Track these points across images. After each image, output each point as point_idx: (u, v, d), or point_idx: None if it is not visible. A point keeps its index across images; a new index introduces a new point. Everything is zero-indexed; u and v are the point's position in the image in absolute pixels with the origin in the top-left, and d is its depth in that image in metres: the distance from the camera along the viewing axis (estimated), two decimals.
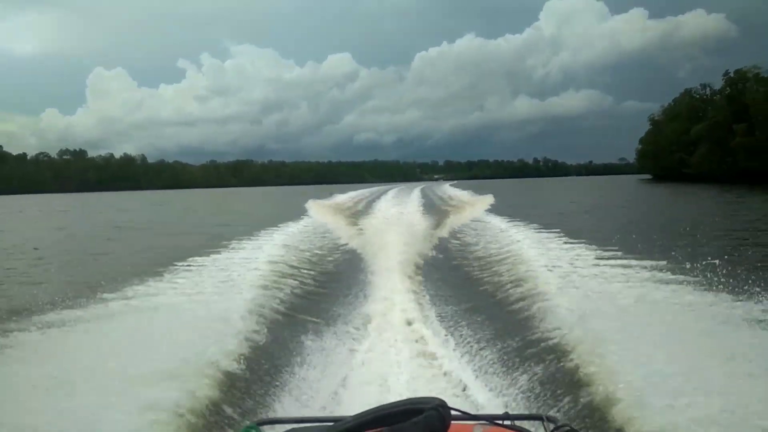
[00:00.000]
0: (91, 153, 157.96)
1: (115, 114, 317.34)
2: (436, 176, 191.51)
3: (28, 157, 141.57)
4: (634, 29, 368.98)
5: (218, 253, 12.07)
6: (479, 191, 35.82)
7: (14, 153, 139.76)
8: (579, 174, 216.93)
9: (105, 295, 7.74)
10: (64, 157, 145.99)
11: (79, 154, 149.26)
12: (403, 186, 66.97)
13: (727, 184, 43.36)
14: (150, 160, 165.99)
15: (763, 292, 6.11)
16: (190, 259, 11.21)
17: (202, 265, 10.45)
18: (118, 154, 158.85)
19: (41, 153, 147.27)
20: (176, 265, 10.43)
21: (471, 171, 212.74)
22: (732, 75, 53.63)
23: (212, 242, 14.16)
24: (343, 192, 41.98)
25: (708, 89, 61.83)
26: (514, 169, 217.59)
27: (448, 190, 47.14)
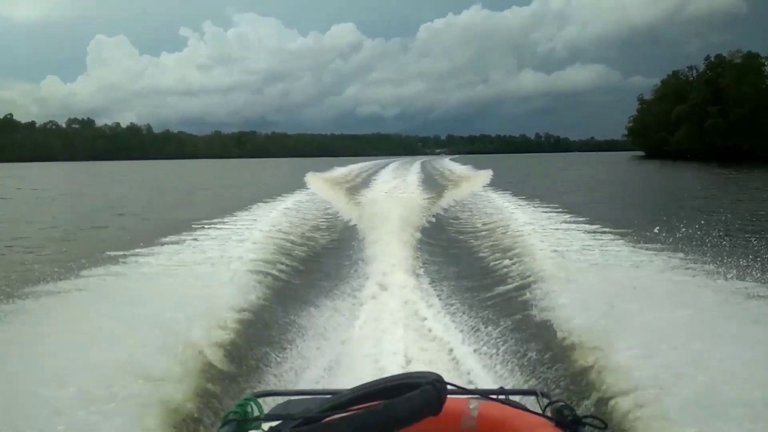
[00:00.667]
0: (96, 122, 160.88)
1: (116, 82, 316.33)
2: (437, 150, 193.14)
3: (37, 126, 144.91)
4: (642, 3, 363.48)
5: (214, 225, 12.12)
6: (479, 166, 36.00)
7: (17, 121, 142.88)
8: (581, 150, 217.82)
9: (96, 268, 7.66)
10: (73, 126, 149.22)
11: (88, 123, 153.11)
12: (404, 159, 67.78)
13: (703, 162, 46.46)
14: (155, 130, 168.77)
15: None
16: (186, 232, 11.20)
17: (196, 239, 10.44)
18: (121, 123, 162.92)
19: (50, 122, 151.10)
20: (170, 238, 10.44)
21: (473, 145, 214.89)
22: (713, 59, 56.33)
23: (208, 215, 14.13)
24: (343, 165, 42.01)
25: (694, 71, 64.45)
26: (516, 144, 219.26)
27: (447, 164, 47.21)
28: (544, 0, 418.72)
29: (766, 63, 50.90)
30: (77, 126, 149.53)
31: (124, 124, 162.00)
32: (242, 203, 17.03)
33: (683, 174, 37.84)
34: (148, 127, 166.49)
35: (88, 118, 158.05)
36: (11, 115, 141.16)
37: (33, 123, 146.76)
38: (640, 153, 79.31)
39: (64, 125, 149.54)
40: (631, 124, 77.45)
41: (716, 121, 48.58)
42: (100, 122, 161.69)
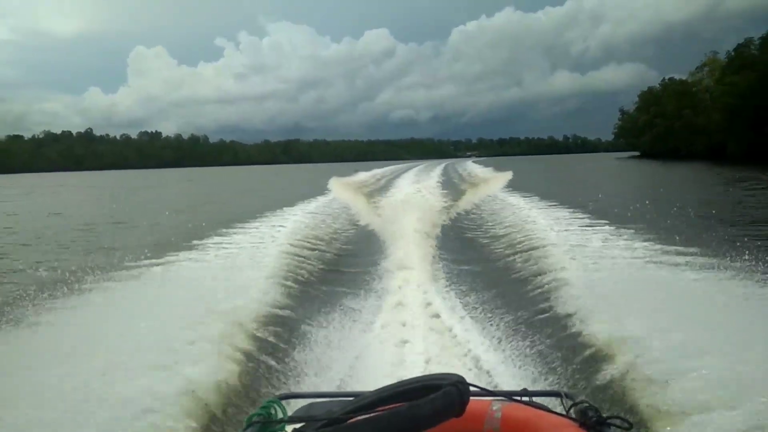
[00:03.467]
0: (135, 131, 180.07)
1: (155, 92, 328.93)
2: (468, 153, 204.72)
3: (112, 137, 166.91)
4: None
5: (239, 229, 12.38)
6: (500, 168, 36.84)
7: (95, 134, 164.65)
8: (607, 150, 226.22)
9: (124, 269, 8.08)
10: (143, 138, 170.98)
11: (156, 135, 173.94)
12: (430, 162, 73.63)
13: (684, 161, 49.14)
14: (186, 138, 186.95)
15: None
16: (210, 234, 11.54)
17: (224, 241, 10.72)
18: (163, 133, 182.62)
19: (123, 134, 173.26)
20: (204, 239, 10.81)
21: (502, 148, 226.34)
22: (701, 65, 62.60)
23: (235, 218, 14.55)
24: (368, 170, 43.15)
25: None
26: (543, 146, 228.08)
27: (469, 166, 48.72)
28: None
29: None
30: (146, 138, 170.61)
31: (189, 136, 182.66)
32: (276, 204, 17.74)
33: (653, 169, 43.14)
34: (205, 137, 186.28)
35: (156, 131, 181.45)
36: (91, 129, 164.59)
37: (107, 135, 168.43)
38: (635, 153, 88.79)
39: (136, 137, 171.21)
40: (615, 130, 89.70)
41: (682, 123, 56.66)
42: (137, 132, 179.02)
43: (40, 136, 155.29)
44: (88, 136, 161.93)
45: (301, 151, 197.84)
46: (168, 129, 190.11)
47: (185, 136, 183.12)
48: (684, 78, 65.06)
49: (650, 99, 69.66)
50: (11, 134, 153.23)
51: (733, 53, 50.07)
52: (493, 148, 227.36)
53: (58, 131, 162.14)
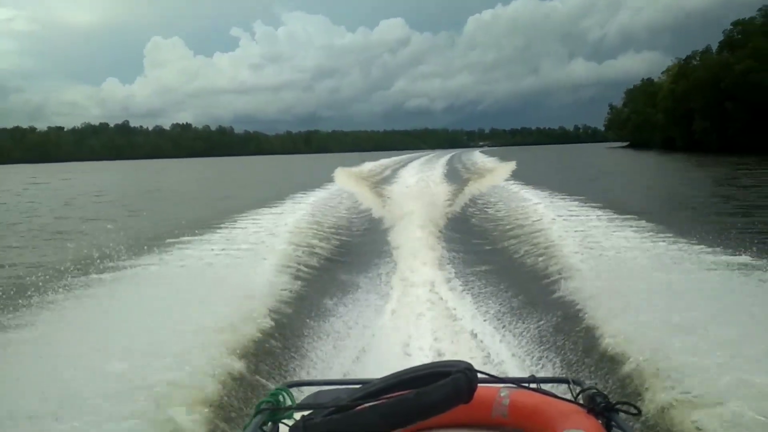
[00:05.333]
0: (153, 122, 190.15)
1: (171, 83, 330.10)
2: (481, 143, 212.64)
3: (145, 128, 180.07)
4: None
5: (247, 218, 12.52)
6: (505, 158, 37.27)
7: (132, 126, 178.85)
8: (615, 140, 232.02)
9: (133, 260, 8.04)
10: (175, 129, 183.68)
11: (186, 127, 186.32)
12: (439, 152, 77.75)
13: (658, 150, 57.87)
14: (199, 127, 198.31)
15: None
16: (219, 224, 11.64)
17: (228, 230, 10.85)
18: (174, 122, 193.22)
19: (156, 126, 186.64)
20: (206, 230, 10.88)
21: (514, 138, 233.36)
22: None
23: (246, 206, 14.91)
24: (375, 159, 42.82)
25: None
26: (555, 136, 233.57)
27: (475, 157, 49.58)
28: None
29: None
30: (178, 129, 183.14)
31: (216, 128, 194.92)
32: (285, 193, 18.20)
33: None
34: (231, 129, 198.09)
35: (187, 123, 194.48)
36: (127, 121, 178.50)
37: (141, 127, 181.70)
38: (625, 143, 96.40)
39: (168, 128, 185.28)
40: (606, 123, 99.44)
41: (660, 116, 59.84)
42: (155, 123, 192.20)
43: (80, 127, 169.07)
44: (124, 128, 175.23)
45: (321, 142, 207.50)
46: (184, 119, 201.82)
47: (200, 126, 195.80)
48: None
49: (631, 95, 79.22)
50: (53, 126, 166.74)
51: (683, 60, 58.76)
52: (506, 138, 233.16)
53: (78, 123, 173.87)
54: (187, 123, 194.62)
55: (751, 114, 42.94)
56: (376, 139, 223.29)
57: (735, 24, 50.64)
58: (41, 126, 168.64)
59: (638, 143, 75.76)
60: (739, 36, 48.95)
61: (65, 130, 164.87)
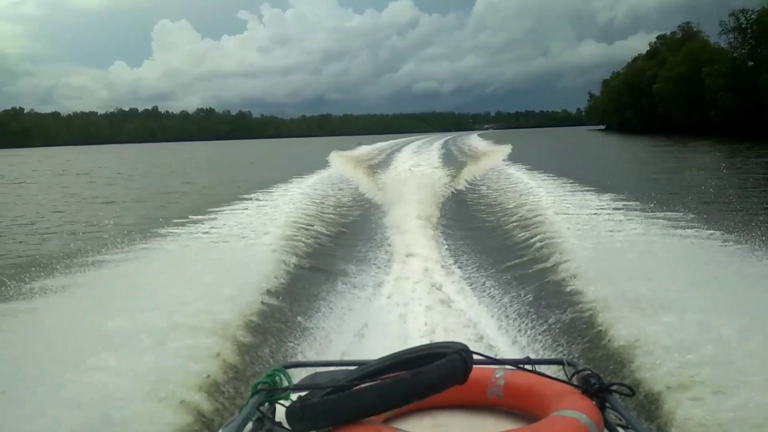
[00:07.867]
0: (161, 105, 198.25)
1: (179, 66, 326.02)
2: (486, 126, 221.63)
3: (175, 113, 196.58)
4: None
5: (242, 201, 12.63)
6: (501, 141, 38.03)
7: (161, 111, 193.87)
8: (598, 124, 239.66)
9: (130, 243, 8.09)
10: (200, 114, 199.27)
11: (211, 111, 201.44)
12: (441, 134, 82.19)
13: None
14: (218, 111, 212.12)
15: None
16: (216, 207, 11.76)
17: (227, 213, 10.99)
18: (183, 106, 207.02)
19: (182, 111, 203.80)
20: (203, 214, 10.96)
21: (518, 121, 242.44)
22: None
23: (242, 190, 15.09)
24: (371, 143, 42.99)
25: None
26: (558, 118, 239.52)
27: (470, 139, 50.66)
28: None
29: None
30: (203, 114, 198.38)
31: (236, 112, 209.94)
32: (286, 175, 18.59)
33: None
34: (249, 113, 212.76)
35: (210, 108, 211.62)
36: (156, 107, 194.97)
37: (168, 112, 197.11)
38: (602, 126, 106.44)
39: (191, 113, 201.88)
40: (586, 108, 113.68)
41: (644, 102, 65.52)
42: (165, 106, 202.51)
43: (113, 111, 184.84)
44: (154, 113, 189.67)
45: (334, 125, 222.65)
46: (193, 103, 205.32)
47: (206, 108, 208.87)
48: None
49: (606, 85, 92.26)
50: (85, 111, 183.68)
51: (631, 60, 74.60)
52: (510, 121, 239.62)
53: (87, 107, 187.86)
54: (210, 108, 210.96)
55: (658, 106, 58.21)
56: (385, 122, 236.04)
57: (659, 38, 68.43)
58: (53, 109, 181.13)
59: (609, 127, 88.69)
60: (663, 46, 64.98)
61: (98, 114, 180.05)
